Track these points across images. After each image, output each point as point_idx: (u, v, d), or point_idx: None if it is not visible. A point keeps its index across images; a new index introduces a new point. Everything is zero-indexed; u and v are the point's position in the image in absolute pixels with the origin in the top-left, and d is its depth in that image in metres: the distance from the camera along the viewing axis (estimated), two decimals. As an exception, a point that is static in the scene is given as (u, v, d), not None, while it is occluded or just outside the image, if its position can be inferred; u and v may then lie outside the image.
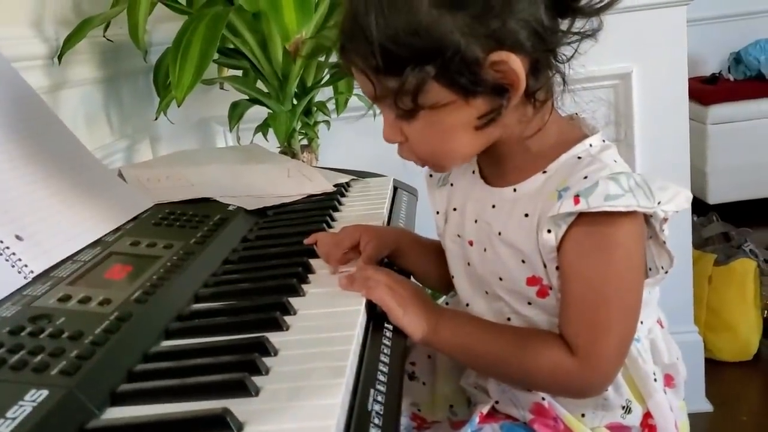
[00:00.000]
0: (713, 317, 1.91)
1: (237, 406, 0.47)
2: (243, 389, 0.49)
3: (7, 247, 0.65)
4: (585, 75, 1.57)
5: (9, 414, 0.44)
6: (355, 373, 0.54)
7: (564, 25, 0.65)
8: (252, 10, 1.19)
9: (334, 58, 1.39)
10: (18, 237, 0.66)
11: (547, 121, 0.68)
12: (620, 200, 0.62)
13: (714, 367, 1.85)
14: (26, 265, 0.65)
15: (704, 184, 2.83)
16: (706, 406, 1.74)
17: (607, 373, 0.67)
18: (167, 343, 0.59)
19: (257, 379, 0.50)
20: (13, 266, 0.64)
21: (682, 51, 1.59)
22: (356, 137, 1.60)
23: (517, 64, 0.61)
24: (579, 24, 0.65)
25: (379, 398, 0.52)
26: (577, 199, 0.63)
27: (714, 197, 2.82)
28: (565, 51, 0.67)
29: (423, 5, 0.60)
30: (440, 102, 0.63)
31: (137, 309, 0.60)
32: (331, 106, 1.48)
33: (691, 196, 0.68)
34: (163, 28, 1.43)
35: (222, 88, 1.51)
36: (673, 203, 0.66)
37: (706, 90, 2.83)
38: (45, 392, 0.46)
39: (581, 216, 0.64)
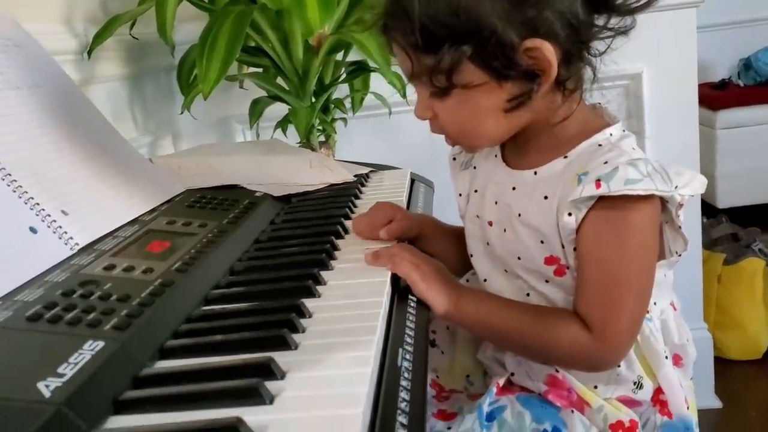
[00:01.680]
0: (722, 316, 1.94)
1: (278, 358, 0.50)
2: (283, 344, 0.52)
3: (54, 221, 0.69)
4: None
5: (71, 359, 0.47)
6: (383, 334, 0.57)
7: (599, 20, 0.68)
8: (275, 7, 1.23)
9: (351, 57, 1.43)
10: (63, 212, 0.70)
11: (575, 110, 0.71)
12: (639, 184, 0.65)
13: (723, 365, 1.87)
14: (71, 238, 0.69)
15: (713, 188, 2.85)
16: (715, 403, 1.76)
17: (620, 349, 0.70)
18: (208, 308, 0.63)
19: (295, 336, 0.54)
20: (60, 238, 0.68)
21: (692, 52, 1.61)
22: (371, 135, 1.65)
23: (550, 51, 0.64)
24: (613, 21, 0.68)
25: (408, 357, 0.55)
26: (598, 183, 0.65)
27: (723, 201, 2.84)
28: (598, 45, 0.69)
29: None
30: (473, 82, 0.66)
31: (178, 277, 0.64)
32: (347, 104, 1.52)
33: (706, 181, 0.71)
34: (184, 27, 1.47)
35: (242, 86, 1.55)
36: (689, 187, 0.69)
37: (716, 95, 2.86)
38: (101, 343, 0.50)
39: (601, 200, 0.67)
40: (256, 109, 1.46)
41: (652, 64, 1.62)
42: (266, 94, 1.43)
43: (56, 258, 0.66)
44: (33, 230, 0.67)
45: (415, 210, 1.01)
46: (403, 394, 0.49)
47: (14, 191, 0.68)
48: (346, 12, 1.30)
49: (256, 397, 0.45)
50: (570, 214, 0.68)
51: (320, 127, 1.44)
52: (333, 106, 1.47)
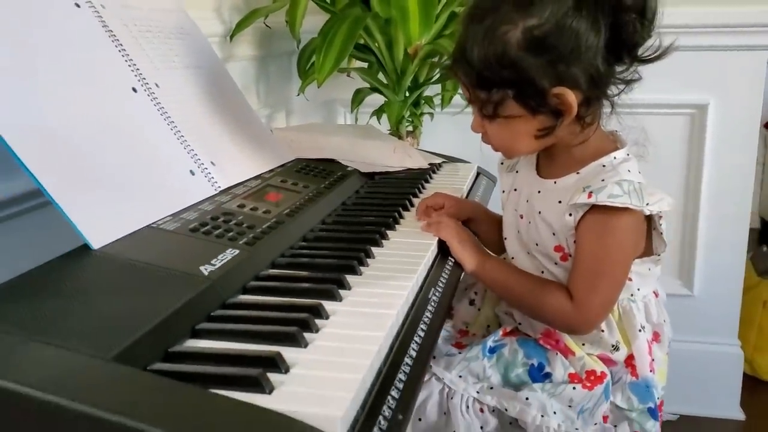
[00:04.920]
0: (763, 339, 2.06)
1: (348, 278, 0.76)
2: (353, 270, 0.78)
3: (206, 168, 0.97)
4: (665, 102, 1.81)
5: (218, 257, 0.74)
6: (423, 278, 0.82)
7: (620, 67, 0.88)
8: (385, 16, 1.48)
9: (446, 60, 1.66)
10: (212, 162, 0.98)
11: (591, 136, 0.93)
12: (619, 199, 0.87)
13: (754, 382, 2.00)
14: (216, 182, 0.97)
15: (783, 219, 2.90)
16: (739, 415, 1.89)
17: (592, 320, 0.92)
18: (305, 243, 0.89)
19: (361, 268, 0.80)
20: (208, 181, 0.96)
21: (759, 91, 1.74)
22: (454, 130, 1.86)
23: (571, 97, 0.85)
24: (626, 73, 0.88)
25: (436, 294, 0.80)
26: (590, 194, 0.88)
27: (791, 233, 2.89)
28: (620, 82, 0.89)
29: (513, 48, 0.84)
30: (513, 114, 0.89)
31: (287, 219, 0.90)
32: (437, 100, 1.75)
33: (673, 202, 0.92)
34: (306, 19, 1.73)
35: (349, 76, 1.81)
36: (657, 205, 0.90)
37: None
38: (237, 251, 0.76)
39: (593, 207, 0.89)
40: (357, 97, 1.71)
41: (719, 98, 1.74)
42: (368, 86, 1.69)
43: (205, 194, 0.94)
44: (192, 173, 0.95)
45: (474, 198, 1.25)
46: (428, 314, 0.74)
47: (181, 143, 0.96)
48: (445, 24, 1.54)
49: (331, 296, 0.71)
50: (570, 215, 0.91)
51: (409, 119, 1.68)
52: (423, 101, 1.71)
